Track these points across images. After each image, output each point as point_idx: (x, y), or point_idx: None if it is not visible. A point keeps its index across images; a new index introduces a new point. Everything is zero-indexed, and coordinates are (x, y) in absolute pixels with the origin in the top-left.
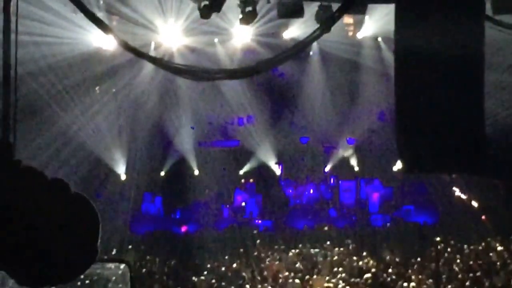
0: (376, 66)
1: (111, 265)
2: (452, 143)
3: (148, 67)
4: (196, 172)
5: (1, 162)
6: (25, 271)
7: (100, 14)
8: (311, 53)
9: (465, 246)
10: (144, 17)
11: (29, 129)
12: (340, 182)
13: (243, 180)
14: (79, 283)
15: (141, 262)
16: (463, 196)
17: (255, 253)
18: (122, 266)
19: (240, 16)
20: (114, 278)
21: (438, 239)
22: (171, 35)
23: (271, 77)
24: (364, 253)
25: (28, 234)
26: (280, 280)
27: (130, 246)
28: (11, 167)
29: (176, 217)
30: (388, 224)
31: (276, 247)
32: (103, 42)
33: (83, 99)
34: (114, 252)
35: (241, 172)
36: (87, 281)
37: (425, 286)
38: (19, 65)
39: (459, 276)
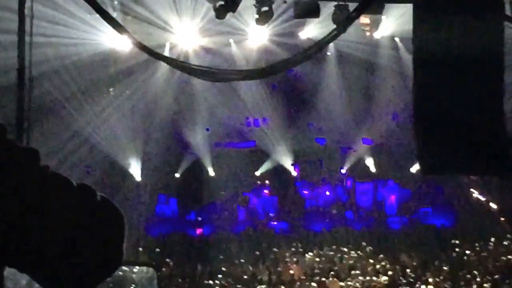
0: (393, 66)
1: (138, 269)
2: (471, 144)
3: (163, 67)
4: (212, 174)
5: (31, 168)
6: (51, 275)
7: (115, 15)
8: (328, 53)
9: (484, 248)
10: (159, 17)
11: (44, 130)
12: (356, 184)
13: (259, 182)
14: (105, 285)
15: (156, 264)
16: (482, 198)
17: (271, 256)
18: (149, 270)
19: (256, 16)
20: (140, 281)
21: (456, 241)
22: (186, 35)
23: (288, 78)
24: (381, 256)
25: (54, 239)
26: (297, 283)
27: (143, 248)
28: (40, 173)
29: (191, 219)
30: (406, 227)
31: (292, 249)
32: (117, 42)
33: (97, 101)
34: (128, 254)
35: (257, 173)
36: (113, 284)
37: None
38: (34, 66)
39: (477, 279)
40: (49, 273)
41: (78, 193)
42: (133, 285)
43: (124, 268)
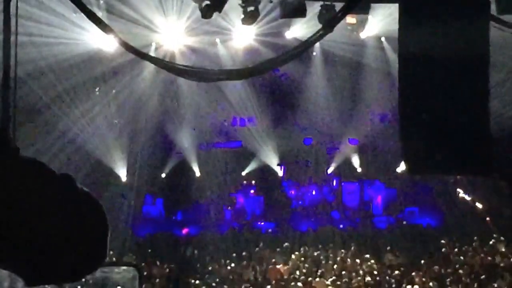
0: (379, 66)
1: (120, 269)
2: (457, 144)
3: (149, 67)
4: (198, 174)
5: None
6: (29, 268)
7: (101, 14)
8: (314, 53)
9: (470, 248)
10: (145, 17)
11: (29, 131)
12: (343, 183)
13: (245, 182)
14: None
15: (142, 264)
16: (467, 198)
17: (258, 256)
18: (131, 270)
19: (242, 16)
20: (123, 282)
21: (442, 241)
22: (172, 35)
23: (274, 77)
24: (368, 256)
25: (32, 229)
26: (283, 283)
27: (130, 249)
28: (9, 155)
29: (178, 219)
30: (392, 226)
31: (278, 249)
32: (103, 42)
33: (83, 101)
34: (115, 254)
35: (243, 173)
36: (96, 285)
37: None
38: (19, 66)
39: (463, 278)
40: (26, 263)
41: (55, 179)
42: (115, 286)
43: (105, 269)
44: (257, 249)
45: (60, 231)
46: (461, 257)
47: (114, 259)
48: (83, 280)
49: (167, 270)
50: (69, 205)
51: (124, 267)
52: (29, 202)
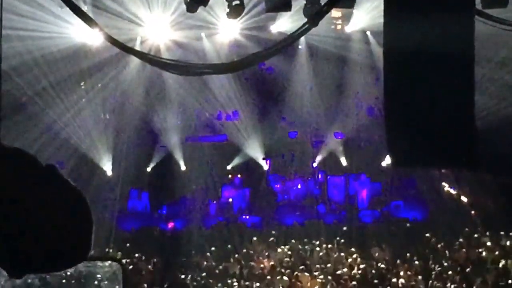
0: (364, 60)
1: (103, 264)
2: (441, 138)
3: (135, 61)
4: (183, 168)
5: None
6: (11, 260)
7: (85, 8)
8: (299, 47)
9: (455, 242)
10: (130, 11)
11: (14, 125)
12: (328, 177)
13: (230, 176)
14: (72, 281)
15: (128, 259)
16: (453, 192)
17: (243, 250)
18: (114, 265)
19: (227, 10)
20: (106, 276)
21: (427, 235)
22: (158, 29)
23: (259, 71)
24: (353, 249)
25: (14, 221)
26: (269, 277)
27: (115, 243)
28: None
29: (163, 213)
30: (377, 220)
31: (264, 243)
32: (88, 36)
33: (68, 95)
34: (100, 249)
35: (229, 167)
36: (79, 280)
37: (414, 282)
38: (4, 60)
39: (449, 272)
40: (9, 255)
41: (39, 169)
42: (98, 280)
43: (89, 264)
44: (242, 243)
45: (44, 222)
46: (447, 251)
47: (99, 253)
48: (67, 274)
49: (153, 264)
50: (53, 195)
51: (108, 262)
52: (12, 192)
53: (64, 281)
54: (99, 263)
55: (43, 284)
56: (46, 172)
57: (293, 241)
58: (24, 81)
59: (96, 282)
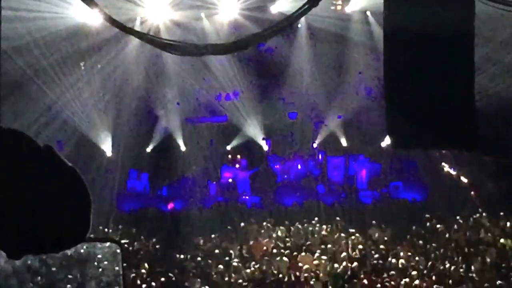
0: (365, 40)
1: (103, 245)
2: (441, 119)
3: (134, 42)
4: (183, 148)
5: None
6: (10, 241)
7: None
8: (299, 27)
9: (454, 222)
10: None
11: (14, 105)
12: (328, 158)
13: (230, 156)
14: (71, 262)
15: (127, 240)
16: (452, 172)
17: (243, 230)
18: (113, 245)
19: None
20: (105, 257)
21: (427, 215)
22: (157, 9)
23: (259, 52)
24: (353, 230)
25: (12, 201)
26: (268, 257)
27: (115, 224)
28: None
29: (163, 194)
30: (377, 201)
31: (264, 223)
32: (88, 17)
33: (68, 75)
34: (100, 230)
35: (229, 148)
36: (78, 261)
37: (413, 263)
38: (4, 41)
39: (448, 253)
40: (7, 236)
41: (37, 150)
42: (97, 261)
43: (87, 244)
44: (242, 223)
45: (42, 203)
46: (446, 232)
47: (98, 234)
48: (66, 255)
49: (152, 245)
50: (50, 176)
51: (107, 243)
52: (11, 172)
53: (63, 262)
54: (98, 244)
55: (42, 265)
56: (44, 153)
57: (292, 221)
58: (24, 61)
59: (95, 263)
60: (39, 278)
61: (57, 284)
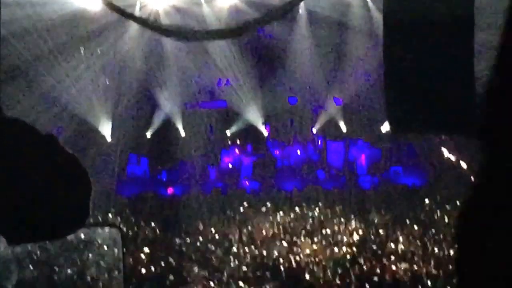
0: (364, 26)
1: (102, 230)
2: (441, 104)
3: (134, 27)
4: (183, 133)
5: None
6: (10, 227)
7: None
8: (299, 12)
9: (454, 208)
10: None
11: (13, 90)
12: (328, 143)
13: (230, 141)
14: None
15: (127, 224)
16: (452, 158)
17: (243, 215)
18: (113, 231)
19: None
20: (105, 242)
21: (426, 201)
22: None
23: (258, 37)
24: (352, 215)
25: (14, 189)
26: (268, 243)
27: (114, 209)
28: None
29: (162, 179)
30: (376, 186)
31: (263, 209)
32: (88, 2)
33: (68, 60)
34: (99, 214)
35: (228, 133)
36: (78, 246)
37: (413, 248)
38: (3, 26)
39: (448, 238)
40: (8, 222)
41: (39, 139)
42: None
43: (87, 229)
44: (242, 209)
45: (43, 191)
46: (446, 217)
47: (98, 219)
48: (66, 240)
49: (152, 230)
50: (52, 165)
51: (107, 228)
52: (12, 161)
53: (63, 247)
54: (99, 229)
55: (42, 251)
56: (45, 141)
57: (292, 206)
58: (23, 46)
59: (95, 248)
60: (39, 263)
61: (57, 269)
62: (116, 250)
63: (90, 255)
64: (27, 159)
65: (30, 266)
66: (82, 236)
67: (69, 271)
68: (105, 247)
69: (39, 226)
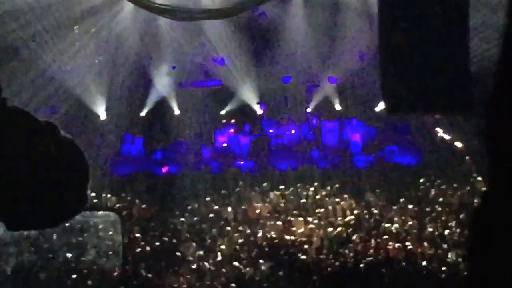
0: (359, 5)
1: (103, 214)
2: (436, 84)
3: (129, 7)
4: (177, 112)
5: None
6: (10, 214)
7: None
8: None
9: (449, 187)
10: None
11: (7, 69)
12: (322, 122)
13: (224, 121)
14: (71, 231)
15: (122, 204)
16: (447, 137)
17: (237, 195)
18: (113, 215)
19: None
20: (105, 226)
21: (421, 180)
22: None
23: (253, 16)
24: (347, 195)
25: (13, 176)
26: (262, 222)
27: (109, 188)
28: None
29: (157, 158)
30: (371, 165)
31: (258, 188)
32: None
33: (62, 39)
34: (94, 194)
35: (223, 112)
36: (78, 229)
37: (408, 227)
38: None
39: (442, 217)
40: (8, 209)
41: (40, 128)
42: (97, 230)
43: (86, 213)
44: (236, 188)
45: (42, 178)
46: (441, 196)
47: (92, 198)
48: (66, 224)
49: (146, 209)
50: (51, 152)
51: (106, 212)
52: (12, 149)
53: (62, 231)
54: (98, 213)
55: (41, 234)
56: (45, 129)
57: (287, 186)
58: (18, 25)
59: (94, 232)
60: (38, 246)
61: (56, 252)
62: (115, 234)
63: (90, 238)
64: (25, 146)
65: (29, 249)
66: (82, 219)
67: (68, 254)
68: (105, 231)
69: (38, 213)
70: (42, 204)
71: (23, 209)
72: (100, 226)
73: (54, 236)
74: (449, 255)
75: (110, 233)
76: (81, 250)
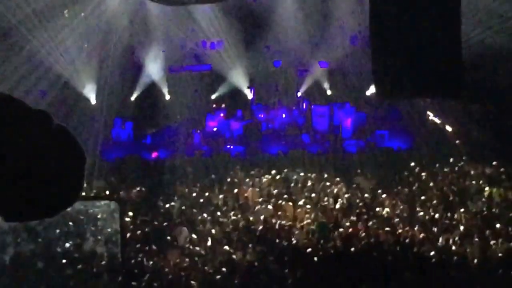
0: None
1: (101, 203)
2: (427, 68)
3: None
4: (167, 97)
5: None
6: (6, 204)
7: None
8: None
9: (439, 171)
10: None
11: None
12: (313, 107)
13: (214, 105)
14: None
15: (112, 188)
16: (438, 121)
17: (227, 179)
18: (111, 203)
19: None
20: (103, 215)
21: (412, 164)
22: None
23: (244, 1)
24: (338, 179)
25: (9, 166)
26: (253, 206)
27: (99, 173)
28: None
29: (147, 142)
30: (362, 150)
31: (248, 172)
32: None
33: (52, 23)
34: (84, 179)
35: (213, 96)
36: (77, 219)
37: (398, 211)
38: None
39: (433, 201)
40: (4, 199)
41: (33, 117)
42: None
43: (85, 202)
44: (226, 172)
45: (37, 168)
46: (431, 180)
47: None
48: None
49: (136, 193)
50: (45, 141)
51: (105, 201)
52: (5, 138)
53: (60, 219)
54: (97, 202)
55: (40, 223)
56: (38, 118)
57: (277, 170)
58: (7, 9)
59: (93, 221)
60: (36, 236)
61: (54, 241)
62: (114, 223)
63: (88, 227)
64: (22, 137)
65: (27, 238)
66: (79, 208)
67: (67, 243)
68: (103, 220)
69: (35, 204)
70: (39, 195)
71: (20, 201)
72: (99, 215)
73: (53, 225)
74: (440, 239)
75: (109, 222)
76: (80, 239)
